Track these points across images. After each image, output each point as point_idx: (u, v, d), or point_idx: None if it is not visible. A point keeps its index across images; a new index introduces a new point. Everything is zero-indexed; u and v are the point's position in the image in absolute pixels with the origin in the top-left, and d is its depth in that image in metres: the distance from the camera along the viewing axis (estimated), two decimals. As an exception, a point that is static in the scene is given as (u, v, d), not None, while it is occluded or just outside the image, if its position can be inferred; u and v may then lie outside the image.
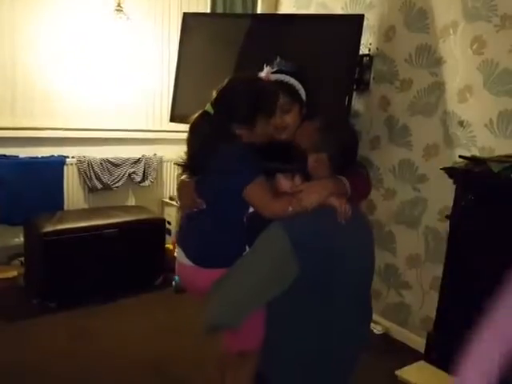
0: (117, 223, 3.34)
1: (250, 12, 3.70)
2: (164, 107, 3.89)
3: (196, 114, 1.53)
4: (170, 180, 4.26)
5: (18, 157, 3.43)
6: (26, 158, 3.45)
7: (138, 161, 3.96)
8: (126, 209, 3.73)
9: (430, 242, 2.88)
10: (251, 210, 1.50)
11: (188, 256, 1.54)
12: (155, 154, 4.10)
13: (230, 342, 1.59)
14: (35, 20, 3.40)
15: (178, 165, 1.59)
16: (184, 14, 3.11)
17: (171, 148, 4.08)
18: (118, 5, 3.40)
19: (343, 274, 1.40)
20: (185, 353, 2.70)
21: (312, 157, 1.49)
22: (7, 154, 3.39)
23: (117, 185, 3.84)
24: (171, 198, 4.15)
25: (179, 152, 3.83)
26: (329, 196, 1.40)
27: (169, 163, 4.21)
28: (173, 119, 3.26)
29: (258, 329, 1.47)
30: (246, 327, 1.41)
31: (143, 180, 4.01)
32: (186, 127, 3.00)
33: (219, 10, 3.64)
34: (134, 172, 3.94)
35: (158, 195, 4.22)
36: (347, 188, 1.46)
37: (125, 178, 3.88)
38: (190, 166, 1.55)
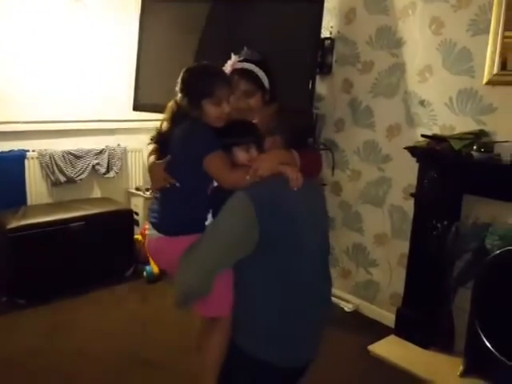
0: (83, 216, 3.28)
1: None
2: (126, 96, 3.81)
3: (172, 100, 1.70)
4: (136, 170, 4.20)
5: (-25, 152, 3.32)
6: (-16, 153, 3.34)
7: (101, 152, 3.88)
8: (92, 201, 3.66)
9: (396, 220, 2.96)
10: (215, 184, 1.63)
11: (157, 228, 1.65)
12: (119, 145, 4.02)
13: (201, 311, 1.65)
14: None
15: (149, 143, 1.73)
16: (143, 0, 3.05)
17: (135, 138, 4.01)
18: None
19: (302, 234, 1.50)
20: (162, 341, 2.70)
21: (268, 140, 1.62)
22: (-36, 149, 3.27)
23: (81, 177, 3.76)
24: (137, 189, 4.10)
25: (143, 141, 3.81)
26: (280, 165, 1.54)
27: (133, 153, 4.14)
28: (136, 108, 3.20)
29: (227, 294, 1.55)
30: (214, 293, 1.50)
31: (108, 171, 3.94)
32: (148, 115, 2.99)
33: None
34: (97, 163, 3.86)
35: (123, 186, 4.15)
36: (297, 159, 1.62)
37: (88, 170, 3.80)
38: (156, 142, 1.69)
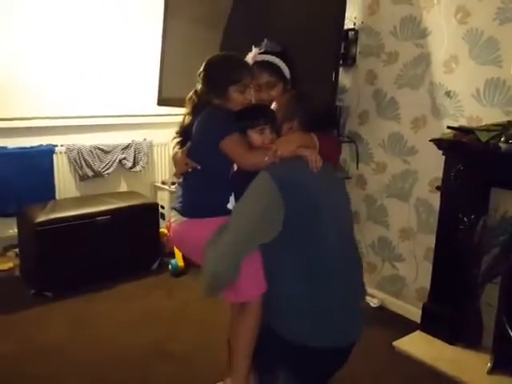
0: (110, 210, 3.33)
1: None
2: (151, 91, 3.87)
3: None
4: (161, 164, 4.25)
5: (6, 147, 3.41)
6: (14, 148, 3.43)
7: (127, 146, 3.95)
8: (119, 195, 3.72)
9: (422, 214, 2.91)
10: (235, 167, 1.66)
11: (181, 212, 1.70)
12: (145, 139, 4.08)
13: (230, 298, 1.66)
14: (14, 9, 3.34)
15: (174, 137, 1.79)
16: (166, -2, 3.08)
17: (161, 132, 4.06)
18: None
19: (327, 214, 1.50)
20: (187, 334, 2.74)
21: (286, 125, 1.65)
22: (-5, 145, 3.37)
23: (108, 171, 3.83)
24: (163, 183, 4.15)
25: (169, 135, 3.84)
26: (300, 147, 1.56)
27: (159, 147, 4.19)
28: (160, 103, 3.23)
29: (255, 278, 1.57)
30: (243, 278, 1.52)
31: (134, 165, 4.01)
32: (173, 110, 3.02)
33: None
34: (124, 158, 3.93)
35: (149, 180, 4.21)
36: (315, 142, 1.62)
37: (115, 165, 3.87)
38: (182, 133, 1.75)
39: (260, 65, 1.84)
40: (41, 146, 3.55)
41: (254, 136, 1.63)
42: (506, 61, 2.42)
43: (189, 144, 1.70)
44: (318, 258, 1.48)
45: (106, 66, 3.81)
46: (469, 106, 2.60)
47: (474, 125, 2.52)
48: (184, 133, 1.75)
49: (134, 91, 3.97)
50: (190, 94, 1.72)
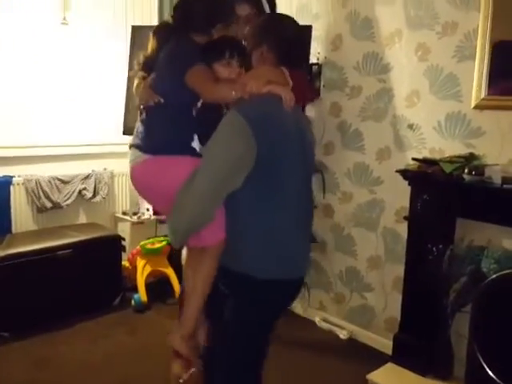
0: (70, 243, 3.21)
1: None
2: (111, 120, 3.80)
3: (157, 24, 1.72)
4: (122, 194, 4.14)
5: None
6: (-33, 179, 3.25)
7: (87, 176, 3.82)
8: (79, 227, 3.59)
9: (389, 243, 2.96)
10: (200, 103, 1.57)
11: (142, 147, 1.57)
12: (105, 169, 3.97)
13: (194, 242, 1.56)
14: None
15: (136, 70, 1.71)
16: (132, 27, 3.07)
17: (121, 161, 3.95)
18: (64, 18, 3.29)
19: (291, 156, 1.48)
20: (153, 372, 2.61)
21: (256, 53, 1.55)
22: None
23: (67, 202, 3.68)
24: (124, 213, 4.03)
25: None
26: (271, 83, 1.46)
27: (120, 177, 4.08)
28: (126, 132, 3.17)
29: (220, 218, 1.49)
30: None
31: (94, 196, 3.87)
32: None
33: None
34: (84, 188, 3.80)
35: (110, 210, 4.08)
36: (288, 78, 1.51)
37: (75, 195, 3.73)
38: (145, 65, 1.67)
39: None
40: (-4, 176, 3.38)
41: (220, 69, 1.54)
42: (465, 96, 2.54)
43: (153, 75, 1.59)
44: (273, 194, 1.46)
45: (66, 95, 3.70)
46: (431, 139, 2.70)
47: (436, 156, 2.61)
48: (147, 65, 1.66)
49: (94, 120, 3.87)
50: (159, 24, 1.71)
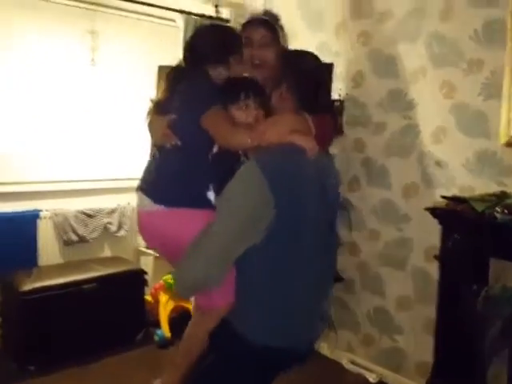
0: (95, 277, 3.22)
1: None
2: (135, 155, 3.87)
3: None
4: (146, 228, 4.16)
5: (-11, 213, 3.29)
6: (-2, 213, 3.31)
7: (113, 210, 3.87)
8: (103, 261, 3.61)
9: (419, 283, 2.88)
10: (216, 149, 1.49)
11: (154, 197, 1.45)
12: (129, 203, 4.01)
13: (202, 301, 1.48)
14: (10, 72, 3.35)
15: (149, 107, 1.62)
16: (159, 66, 3.16)
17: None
18: (92, 59, 3.40)
19: (312, 207, 1.38)
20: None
21: (275, 94, 1.45)
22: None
23: (92, 236, 3.72)
24: (147, 247, 4.04)
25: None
26: (293, 132, 1.36)
27: (144, 211, 4.12)
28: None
29: (231, 282, 1.39)
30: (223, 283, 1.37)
31: (118, 230, 3.91)
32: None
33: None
34: (109, 222, 3.84)
35: (133, 244, 4.10)
36: (311, 126, 1.40)
37: (100, 229, 3.77)
38: (157, 107, 1.59)
39: (257, 20, 1.68)
40: (25, 211, 3.43)
41: (236, 113, 1.45)
42: (493, 133, 2.53)
43: (172, 115, 1.48)
44: (287, 254, 1.35)
45: (93, 131, 3.79)
46: (460, 176, 2.68)
47: (466, 194, 2.58)
48: (158, 107, 1.57)
49: (119, 155, 3.94)
50: (170, 69, 1.59)
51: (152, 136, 1.57)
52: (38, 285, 2.96)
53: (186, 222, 1.40)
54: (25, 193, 3.45)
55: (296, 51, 1.63)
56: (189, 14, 3.73)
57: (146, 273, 3.72)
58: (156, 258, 3.97)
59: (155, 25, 4.01)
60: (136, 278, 3.48)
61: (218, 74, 1.50)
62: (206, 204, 1.44)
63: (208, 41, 1.53)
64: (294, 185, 1.33)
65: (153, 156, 1.56)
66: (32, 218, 3.43)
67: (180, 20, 3.75)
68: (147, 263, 3.99)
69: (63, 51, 3.54)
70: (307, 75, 1.47)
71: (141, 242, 4.12)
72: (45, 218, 3.49)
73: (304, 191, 1.36)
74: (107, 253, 3.92)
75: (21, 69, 3.40)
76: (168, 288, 3.58)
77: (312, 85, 1.48)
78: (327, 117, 1.52)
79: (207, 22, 3.77)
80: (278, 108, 1.46)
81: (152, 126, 1.57)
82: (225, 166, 1.40)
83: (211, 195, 1.46)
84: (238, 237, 1.31)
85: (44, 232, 3.49)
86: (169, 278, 3.60)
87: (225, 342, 1.43)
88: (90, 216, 3.71)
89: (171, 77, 1.56)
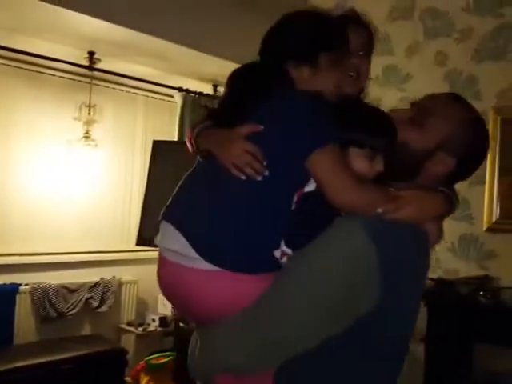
0: (73, 357, 3.09)
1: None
2: (123, 228, 3.87)
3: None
4: (129, 304, 4.05)
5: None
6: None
7: (95, 285, 3.78)
8: (82, 339, 3.48)
9: (405, 366, 2.83)
10: (309, 188, 1.01)
11: (206, 253, 0.98)
12: (114, 277, 3.93)
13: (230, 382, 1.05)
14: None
15: (207, 114, 1.16)
16: (154, 141, 3.23)
17: (131, 269, 3.96)
18: (87, 132, 3.47)
19: (403, 311, 1.04)
20: None
21: (438, 156, 1.06)
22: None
23: (72, 312, 3.59)
24: (129, 324, 3.92)
25: (139, 273, 3.69)
26: (436, 219, 1.06)
27: (128, 285, 4.03)
28: (139, 242, 3.19)
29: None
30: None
31: (100, 305, 3.79)
32: (146, 247, 2.95)
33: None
34: (91, 297, 3.73)
35: (114, 321, 3.96)
36: (444, 208, 1.09)
37: (81, 305, 3.66)
38: (223, 115, 1.10)
39: (356, 20, 1.21)
40: (3, 284, 3.34)
41: (359, 160, 1.01)
42: (477, 218, 2.61)
43: (259, 127, 0.99)
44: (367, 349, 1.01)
45: (77, 204, 3.78)
46: (446, 259, 2.72)
47: (451, 277, 2.61)
48: (216, 115, 1.12)
49: (102, 228, 3.92)
50: (238, 68, 1.14)
51: (222, 150, 1.03)
52: (12, 365, 2.82)
53: (243, 291, 0.98)
54: (3, 266, 3.36)
55: (465, 102, 1.14)
56: (187, 91, 3.90)
57: (127, 352, 3.59)
58: (138, 336, 3.85)
59: (152, 99, 4.16)
60: (116, 359, 3.34)
61: (300, 76, 1.07)
62: (274, 266, 1.00)
63: (297, 29, 1.10)
64: (405, 270, 1.00)
65: (196, 183, 1.09)
66: (10, 292, 3.32)
67: (177, 96, 3.91)
68: (129, 341, 3.85)
69: (59, 124, 3.60)
70: (475, 140, 1.10)
71: (123, 319, 4.00)
72: (24, 292, 3.39)
73: (412, 291, 1.05)
74: (86, 330, 3.78)
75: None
76: (150, 370, 3.43)
77: (473, 167, 1.14)
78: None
79: (205, 99, 3.92)
80: (423, 176, 1.09)
81: (222, 138, 1.05)
82: (315, 213, 1.00)
83: (278, 253, 1.01)
84: (316, 322, 0.95)
85: (22, 307, 3.37)
86: (150, 358, 3.47)
87: None
88: (70, 290, 3.61)
89: (241, 77, 1.12)
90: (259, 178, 0.97)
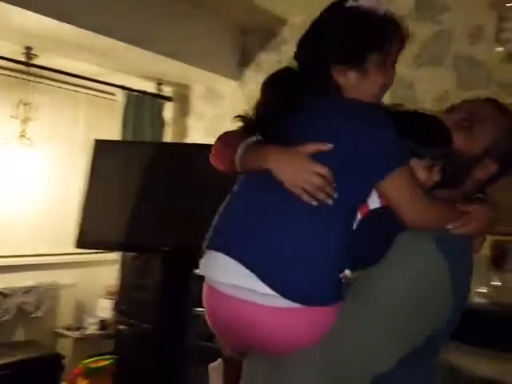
0: (7, 363, 2.98)
1: (158, 140, 3.87)
2: (60, 230, 3.76)
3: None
4: (66, 308, 3.93)
5: None
6: None
7: (31, 289, 3.63)
8: (16, 345, 3.36)
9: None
10: (374, 205, 0.97)
11: (278, 286, 0.88)
12: (52, 280, 3.80)
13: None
14: None
15: (243, 126, 1.03)
16: (95, 140, 3.14)
17: (69, 272, 3.84)
18: (23, 130, 3.34)
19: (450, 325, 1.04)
20: None
21: (484, 162, 1.06)
22: None
23: (5, 318, 3.45)
24: (68, 328, 3.80)
25: (78, 276, 3.60)
26: (482, 232, 1.05)
27: (66, 289, 3.91)
28: (79, 244, 3.11)
29: None
30: None
31: (35, 311, 3.65)
32: (85, 250, 2.85)
33: (129, 137, 3.73)
34: (24, 302, 3.59)
35: (51, 326, 3.83)
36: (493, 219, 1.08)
37: (14, 310, 3.51)
38: (268, 129, 0.99)
39: (398, 24, 1.03)
40: None
41: (419, 171, 0.99)
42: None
43: (328, 146, 0.91)
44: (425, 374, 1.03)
45: (11, 202, 3.62)
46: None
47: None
48: (264, 130, 1.00)
49: (39, 230, 3.78)
50: (273, 73, 1.03)
51: (288, 167, 0.92)
52: None
53: (318, 323, 0.92)
54: None
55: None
56: (129, 90, 3.82)
57: (63, 357, 3.48)
58: (76, 340, 3.74)
59: (94, 97, 4.06)
60: (52, 364, 3.26)
61: (346, 82, 0.98)
62: (340, 292, 0.95)
63: (340, 27, 0.98)
64: (466, 286, 1.03)
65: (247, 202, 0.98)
66: None
67: (120, 94, 3.82)
68: (65, 346, 3.74)
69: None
70: None
71: (60, 323, 3.87)
72: (-47, 298, 3.22)
73: (466, 294, 1.06)
74: (20, 336, 3.64)
75: None
76: (88, 373, 3.35)
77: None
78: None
79: (149, 98, 3.87)
80: (468, 182, 1.08)
81: (270, 161, 0.93)
82: (382, 231, 0.97)
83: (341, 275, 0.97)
84: (398, 345, 0.93)
85: (-50, 313, 3.20)
86: (89, 361, 3.38)
87: None
88: (3, 295, 3.46)
89: (283, 86, 0.99)
90: (330, 203, 0.89)
